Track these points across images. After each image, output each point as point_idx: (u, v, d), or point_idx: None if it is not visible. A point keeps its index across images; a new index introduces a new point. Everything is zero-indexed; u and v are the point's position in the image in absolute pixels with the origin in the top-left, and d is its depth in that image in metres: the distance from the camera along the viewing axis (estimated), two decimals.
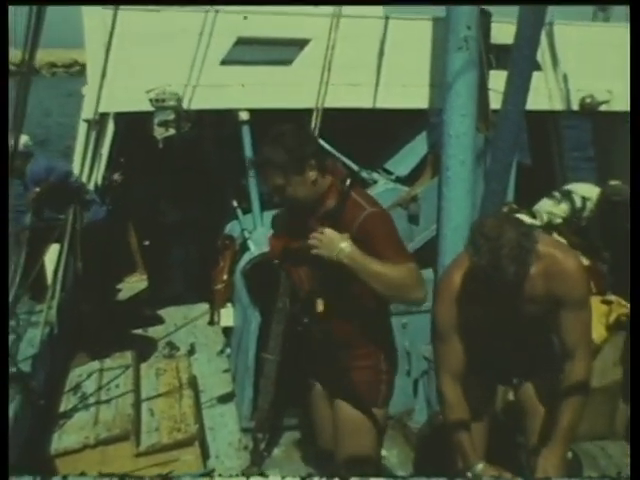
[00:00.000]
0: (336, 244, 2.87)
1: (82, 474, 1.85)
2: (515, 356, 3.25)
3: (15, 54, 3.71)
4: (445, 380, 3.07)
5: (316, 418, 3.59)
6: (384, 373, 3.30)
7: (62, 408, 4.57)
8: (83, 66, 5.57)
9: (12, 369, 4.22)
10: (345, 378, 3.26)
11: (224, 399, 5.32)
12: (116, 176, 7.42)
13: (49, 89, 40.41)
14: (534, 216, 5.14)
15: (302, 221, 3.11)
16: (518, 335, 3.11)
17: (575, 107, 5.82)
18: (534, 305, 2.90)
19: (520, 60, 3.57)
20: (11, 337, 4.50)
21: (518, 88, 3.61)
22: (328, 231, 2.90)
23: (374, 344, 3.26)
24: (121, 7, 4.87)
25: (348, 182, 3.08)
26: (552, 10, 4.47)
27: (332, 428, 3.38)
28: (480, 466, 2.96)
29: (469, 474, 2.96)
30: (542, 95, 5.62)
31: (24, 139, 5.39)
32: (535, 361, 3.27)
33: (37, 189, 5.60)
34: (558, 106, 5.81)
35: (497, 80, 4.30)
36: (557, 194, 5.17)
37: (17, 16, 3.60)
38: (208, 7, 5.16)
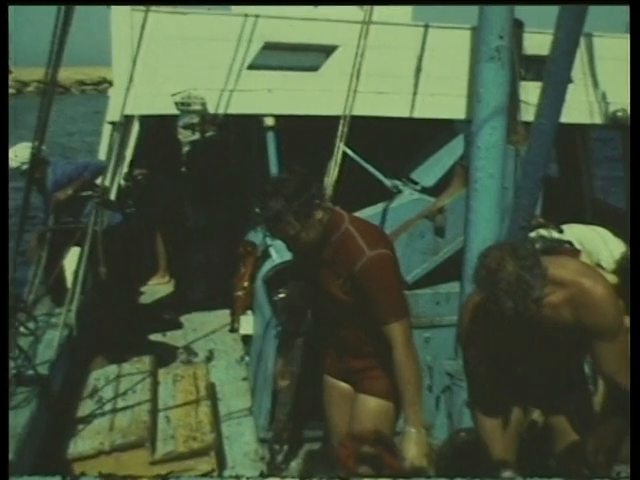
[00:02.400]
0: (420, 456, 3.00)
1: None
2: (545, 379, 3.17)
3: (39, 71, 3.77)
4: (479, 402, 3.08)
5: (333, 416, 3.53)
6: None
7: (79, 412, 4.53)
8: (111, 83, 5.57)
9: (30, 372, 4.20)
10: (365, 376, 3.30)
11: (242, 408, 5.25)
12: (139, 179, 7.40)
13: (77, 106, 41.21)
14: (561, 231, 5.03)
15: (312, 261, 3.15)
16: (548, 359, 3.03)
17: (606, 120, 5.71)
18: (563, 332, 2.83)
19: (556, 73, 3.47)
20: (29, 339, 4.47)
21: (553, 101, 3.51)
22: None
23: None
24: (150, 9, 4.85)
25: (346, 223, 3.08)
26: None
27: (347, 425, 3.37)
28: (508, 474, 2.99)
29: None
30: (572, 108, 5.50)
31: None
32: (566, 386, 3.19)
33: (69, 190, 5.58)
34: (588, 119, 5.71)
35: (529, 92, 4.21)
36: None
37: (42, 32, 3.65)
38: (237, 11, 5.14)
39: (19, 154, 5.39)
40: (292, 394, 4.38)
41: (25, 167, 5.18)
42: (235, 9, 6.15)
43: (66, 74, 53.84)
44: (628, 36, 5.88)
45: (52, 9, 3.36)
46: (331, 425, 3.54)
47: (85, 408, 4.57)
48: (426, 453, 3.06)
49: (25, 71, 59.23)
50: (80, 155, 20.89)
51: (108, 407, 4.56)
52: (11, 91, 58.66)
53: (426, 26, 5.32)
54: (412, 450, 3.01)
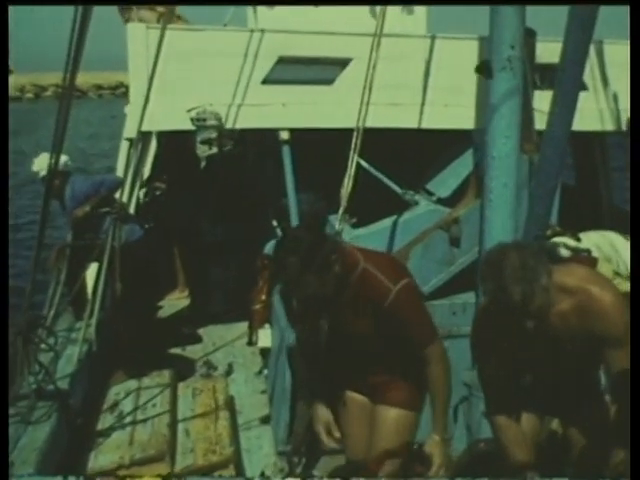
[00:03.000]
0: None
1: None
2: (561, 388, 3.15)
3: (57, 76, 3.79)
4: (496, 411, 3.09)
5: (352, 429, 3.51)
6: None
7: (99, 426, 4.56)
8: (128, 88, 5.63)
9: (50, 386, 4.24)
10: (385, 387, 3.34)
11: (261, 421, 5.26)
12: (158, 194, 7.45)
13: (95, 110, 41.66)
14: (578, 239, 4.99)
15: (328, 305, 3.17)
16: (561, 368, 3.02)
17: (623, 127, 5.68)
18: (574, 341, 2.81)
19: (566, 80, 3.47)
20: (49, 354, 4.51)
21: (564, 109, 3.51)
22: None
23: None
24: (167, 27, 4.91)
25: (362, 262, 3.09)
26: (599, 29, 4.37)
27: (365, 439, 3.40)
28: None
29: None
30: (588, 115, 5.50)
31: (63, 159, 5.43)
32: (582, 396, 3.17)
33: (86, 207, 5.63)
34: (605, 126, 5.68)
35: (542, 100, 4.20)
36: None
37: (58, 38, 3.69)
38: (252, 27, 5.18)
39: (40, 162, 5.47)
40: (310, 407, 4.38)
41: (44, 173, 5.24)
42: (250, 23, 6.21)
43: (83, 78, 54.48)
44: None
45: (70, 13, 3.38)
46: (350, 439, 3.52)
47: (105, 422, 4.61)
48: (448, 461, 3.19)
49: (43, 76, 60.15)
50: (97, 160, 21.16)
51: (128, 421, 4.59)
52: (29, 95, 59.71)
53: (433, 37, 5.34)
54: (440, 457, 3.14)
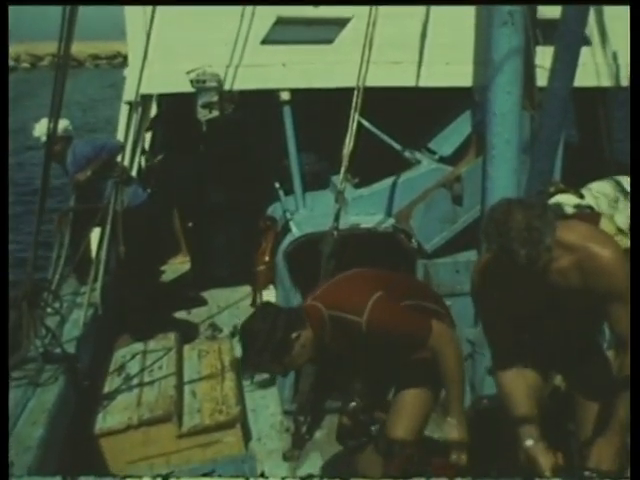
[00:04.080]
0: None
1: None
2: (563, 344, 3.16)
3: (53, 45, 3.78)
4: (501, 366, 3.09)
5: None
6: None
7: (106, 389, 4.62)
8: (125, 58, 5.59)
9: (57, 350, 4.28)
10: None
11: (265, 384, 5.29)
12: (159, 158, 7.43)
13: (93, 79, 41.51)
14: (582, 196, 4.98)
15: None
16: (564, 324, 3.02)
17: (625, 83, 5.62)
18: (575, 297, 2.81)
19: (568, 35, 3.44)
20: (55, 318, 4.54)
21: (566, 65, 3.48)
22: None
23: None
24: None
25: (323, 308, 3.13)
26: None
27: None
28: (530, 442, 2.98)
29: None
30: (590, 71, 5.43)
31: (64, 123, 5.41)
32: (584, 351, 3.18)
33: (88, 172, 5.61)
34: (607, 82, 5.62)
35: (544, 56, 4.16)
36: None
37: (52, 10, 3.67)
38: None
39: (41, 127, 5.44)
40: (315, 366, 4.42)
41: (45, 139, 5.22)
42: None
43: (80, 48, 54.01)
44: None
45: None
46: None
47: (112, 384, 4.66)
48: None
49: (39, 45, 59.48)
50: (98, 129, 21.08)
51: (135, 383, 4.64)
52: (25, 65, 59.21)
53: None
54: (455, 434, 3.24)
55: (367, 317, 3.04)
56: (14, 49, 57.17)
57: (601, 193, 4.84)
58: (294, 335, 3.06)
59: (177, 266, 6.82)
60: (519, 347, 3.08)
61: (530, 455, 2.97)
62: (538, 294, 2.83)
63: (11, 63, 56.03)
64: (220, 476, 3.43)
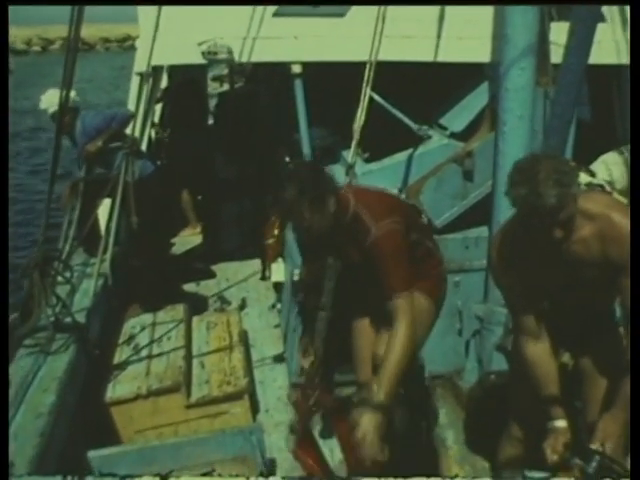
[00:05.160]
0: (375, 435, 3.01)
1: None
2: (575, 320, 3.16)
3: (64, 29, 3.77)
4: (527, 340, 3.07)
5: (359, 349, 3.65)
6: None
7: (116, 359, 4.65)
8: (135, 40, 5.57)
9: (67, 319, 4.30)
10: None
11: (275, 359, 5.33)
12: (168, 132, 7.42)
13: (103, 62, 41.57)
14: (593, 175, 4.96)
15: (325, 244, 3.33)
16: (581, 297, 3.01)
17: None
18: (594, 269, 2.80)
19: (583, 11, 3.41)
20: (66, 288, 4.57)
21: (581, 41, 3.45)
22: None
23: None
24: None
25: (352, 200, 3.18)
26: None
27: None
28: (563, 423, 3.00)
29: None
30: (605, 48, 5.39)
31: (71, 94, 5.40)
32: (597, 327, 3.17)
33: (99, 142, 5.61)
34: (622, 60, 5.57)
35: (559, 32, 4.13)
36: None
37: None
38: None
39: (48, 99, 5.44)
40: (324, 339, 4.43)
41: (52, 110, 5.22)
42: None
43: (90, 31, 54.07)
44: None
45: None
46: (361, 363, 3.65)
47: (122, 355, 4.69)
48: (378, 436, 3.03)
49: (51, 28, 59.31)
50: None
51: (144, 353, 4.68)
52: (36, 48, 59.11)
53: None
54: (366, 420, 3.04)
55: (378, 234, 3.09)
56: (25, 33, 57.03)
57: (614, 163, 4.81)
58: (331, 194, 3.10)
59: (188, 238, 6.84)
60: (540, 321, 3.07)
61: (558, 437, 2.97)
62: (558, 264, 2.81)
63: (23, 47, 56.01)
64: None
